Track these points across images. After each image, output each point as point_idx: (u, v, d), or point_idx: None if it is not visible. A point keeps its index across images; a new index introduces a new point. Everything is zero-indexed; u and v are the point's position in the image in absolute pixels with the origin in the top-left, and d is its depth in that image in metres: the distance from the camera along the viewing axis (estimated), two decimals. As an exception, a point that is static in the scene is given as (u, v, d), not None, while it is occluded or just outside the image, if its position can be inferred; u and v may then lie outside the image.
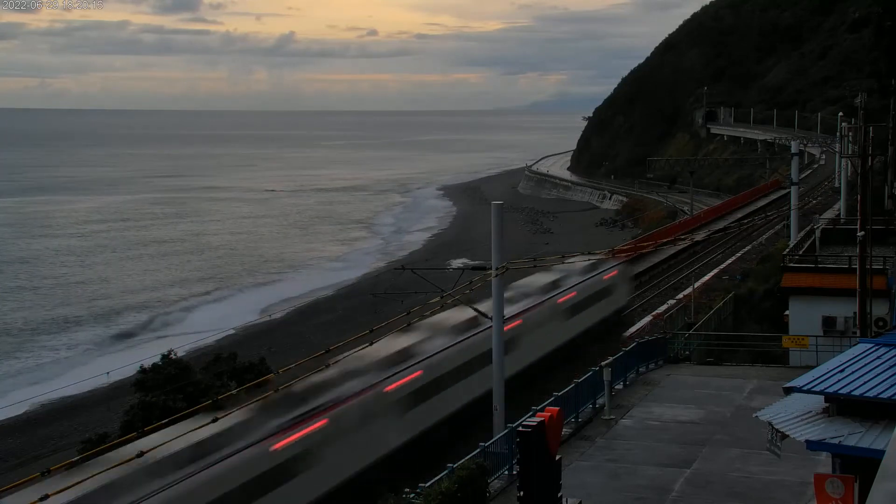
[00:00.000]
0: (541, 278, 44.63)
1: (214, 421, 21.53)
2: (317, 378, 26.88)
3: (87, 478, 19.13)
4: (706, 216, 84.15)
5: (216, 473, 23.14)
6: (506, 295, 31.44)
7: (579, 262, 45.95)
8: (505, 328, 29.96)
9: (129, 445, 22.11)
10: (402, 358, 31.76)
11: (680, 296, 53.99)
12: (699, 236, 64.03)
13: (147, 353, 43.11)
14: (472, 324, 34.73)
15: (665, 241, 59.46)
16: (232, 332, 61.45)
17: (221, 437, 23.76)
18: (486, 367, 31.28)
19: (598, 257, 46.67)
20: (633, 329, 47.68)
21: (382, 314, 37.82)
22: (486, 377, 31.14)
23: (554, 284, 44.43)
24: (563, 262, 40.57)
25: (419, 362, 32.21)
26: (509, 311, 34.48)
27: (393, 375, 30.55)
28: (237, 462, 23.79)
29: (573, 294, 44.73)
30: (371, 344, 25.73)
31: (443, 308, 33.37)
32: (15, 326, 69.54)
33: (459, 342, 34.70)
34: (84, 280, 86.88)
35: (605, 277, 48.77)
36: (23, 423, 48.15)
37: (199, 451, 23.06)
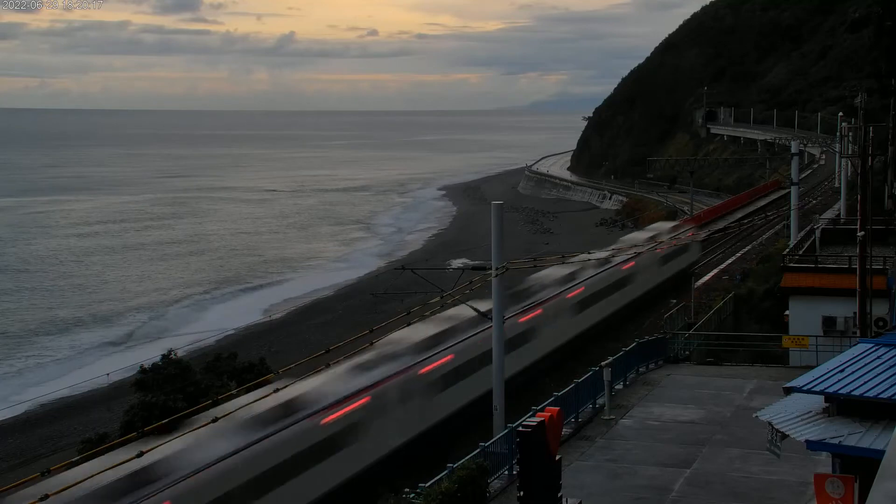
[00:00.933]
0: (642, 234, 61.04)
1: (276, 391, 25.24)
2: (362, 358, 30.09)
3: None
4: (706, 216, 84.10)
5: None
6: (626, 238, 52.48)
7: (667, 224, 68.24)
8: (623, 267, 50.78)
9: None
10: (437, 341, 34.10)
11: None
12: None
13: (147, 354, 43.15)
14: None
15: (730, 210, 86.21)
16: (232, 332, 61.48)
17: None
18: (519, 349, 38.59)
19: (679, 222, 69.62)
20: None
21: (382, 314, 37.86)
22: (521, 357, 38.74)
23: (652, 239, 57.08)
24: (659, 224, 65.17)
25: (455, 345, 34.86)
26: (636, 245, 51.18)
27: (429, 357, 32.72)
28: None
29: (663, 250, 56.42)
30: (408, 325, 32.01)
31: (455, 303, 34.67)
32: (11, 328, 69.51)
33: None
34: (84, 281, 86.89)
35: (684, 238, 60.40)
36: (23, 423, 48.15)
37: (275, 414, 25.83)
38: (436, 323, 34.88)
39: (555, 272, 46.48)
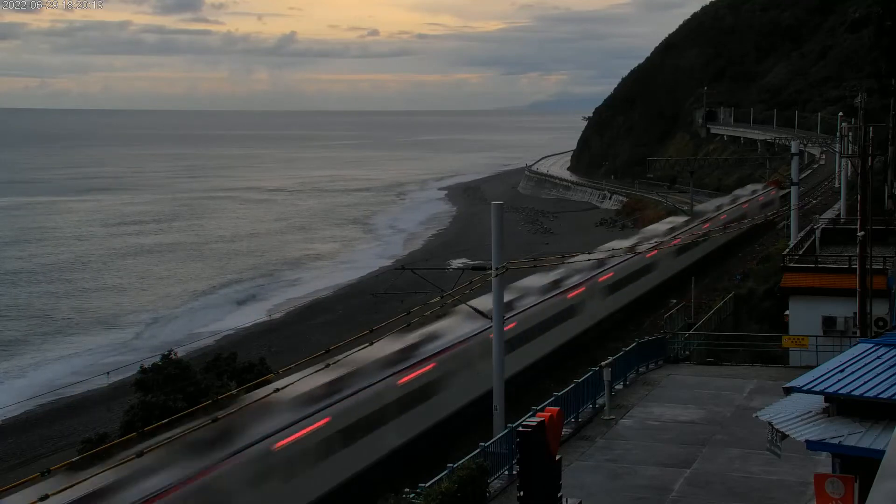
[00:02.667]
0: (721, 199, 77.85)
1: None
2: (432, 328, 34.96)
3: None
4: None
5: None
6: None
7: (754, 186, 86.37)
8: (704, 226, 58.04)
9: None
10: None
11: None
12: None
13: (151, 355, 43.15)
14: (550, 288, 44.71)
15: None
16: (232, 332, 61.50)
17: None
18: (563, 324, 44.11)
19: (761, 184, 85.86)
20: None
21: (382, 314, 37.86)
22: (563, 332, 44.20)
23: (735, 198, 77.56)
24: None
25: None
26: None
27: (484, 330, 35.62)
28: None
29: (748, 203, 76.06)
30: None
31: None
32: (11, 335, 69.54)
33: (536, 305, 42.18)
34: (85, 283, 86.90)
35: (762, 198, 78.77)
36: (23, 423, 48.17)
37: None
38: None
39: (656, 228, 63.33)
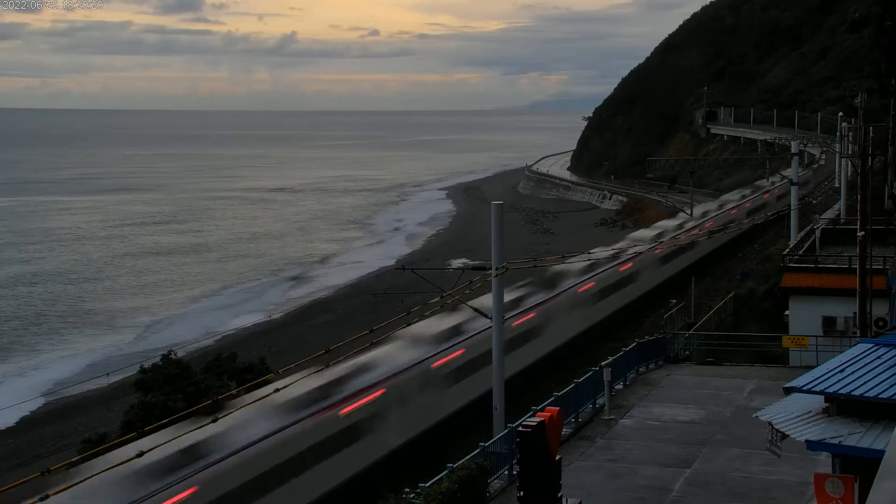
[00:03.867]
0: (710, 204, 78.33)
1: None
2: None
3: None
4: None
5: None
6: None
7: (743, 191, 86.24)
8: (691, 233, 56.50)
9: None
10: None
11: None
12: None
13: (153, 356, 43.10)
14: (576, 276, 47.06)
15: None
16: (232, 332, 61.52)
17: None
18: (588, 309, 47.06)
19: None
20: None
21: (382, 314, 37.85)
22: (589, 316, 47.27)
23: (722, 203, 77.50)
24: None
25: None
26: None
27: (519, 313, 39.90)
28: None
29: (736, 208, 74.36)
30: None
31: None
32: (11, 335, 69.53)
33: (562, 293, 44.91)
34: (88, 283, 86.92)
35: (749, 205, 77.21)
36: (23, 423, 48.19)
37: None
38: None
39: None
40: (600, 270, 49.65)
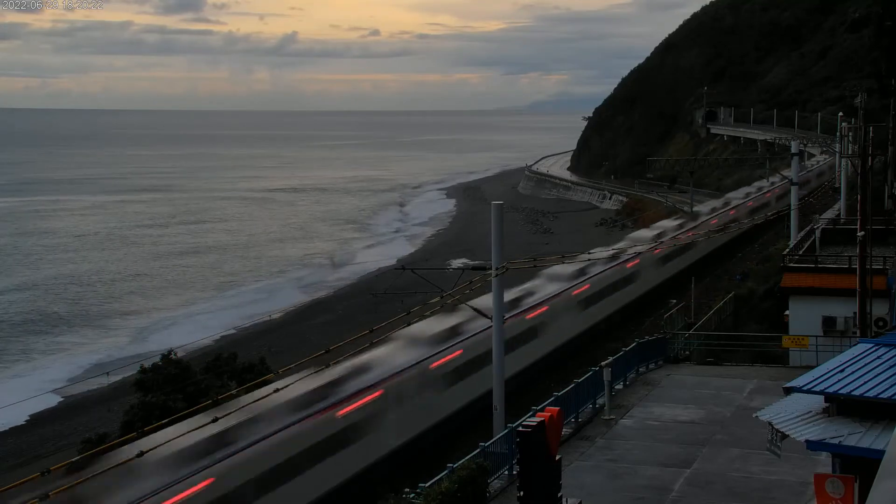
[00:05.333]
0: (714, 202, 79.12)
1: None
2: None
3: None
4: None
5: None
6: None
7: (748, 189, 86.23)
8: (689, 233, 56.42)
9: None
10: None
11: None
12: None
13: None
14: (582, 272, 48.40)
15: None
16: (232, 332, 61.46)
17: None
18: (605, 300, 49.60)
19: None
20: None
21: (382, 314, 37.85)
22: (607, 306, 49.94)
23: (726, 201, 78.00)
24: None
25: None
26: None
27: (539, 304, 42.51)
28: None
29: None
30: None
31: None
32: (12, 336, 69.52)
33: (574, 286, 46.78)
34: (90, 283, 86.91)
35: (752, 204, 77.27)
36: (23, 423, 48.19)
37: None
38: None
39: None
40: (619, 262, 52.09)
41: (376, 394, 29.92)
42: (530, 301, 42.77)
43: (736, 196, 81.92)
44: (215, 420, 21.90)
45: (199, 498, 22.56)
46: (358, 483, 28.81)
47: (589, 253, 48.22)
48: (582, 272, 48.50)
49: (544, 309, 42.52)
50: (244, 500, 24.24)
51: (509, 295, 34.14)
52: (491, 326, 32.02)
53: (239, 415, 24.20)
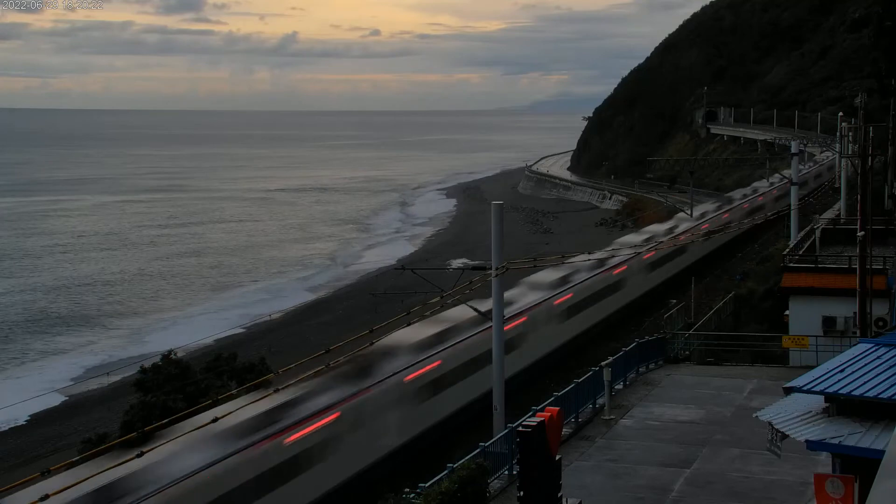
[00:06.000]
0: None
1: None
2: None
3: None
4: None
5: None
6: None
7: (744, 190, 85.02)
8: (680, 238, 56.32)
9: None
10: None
11: None
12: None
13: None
14: (597, 265, 48.79)
15: None
16: (242, 330, 61.50)
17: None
18: (616, 294, 50.62)
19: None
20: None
21: (382, 314, 37.84)
22: (618, 299, 50.96)
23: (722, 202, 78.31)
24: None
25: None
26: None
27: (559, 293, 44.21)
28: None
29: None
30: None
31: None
32: (13, 336, 69.50)
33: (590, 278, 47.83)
34: (95, 285, 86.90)
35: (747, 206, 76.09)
36: (23, 423, 48.19)
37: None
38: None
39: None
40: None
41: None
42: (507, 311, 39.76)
43: (729, 198, 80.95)
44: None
45: None
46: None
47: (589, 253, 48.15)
48: (565, 280, 46.36)
49: (522, 320, 40.06)
50: None
51: (483, 306, 30.89)
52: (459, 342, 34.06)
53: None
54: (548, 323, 42.44)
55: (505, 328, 30.49)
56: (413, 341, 32.59)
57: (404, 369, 31.13)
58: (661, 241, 55.72)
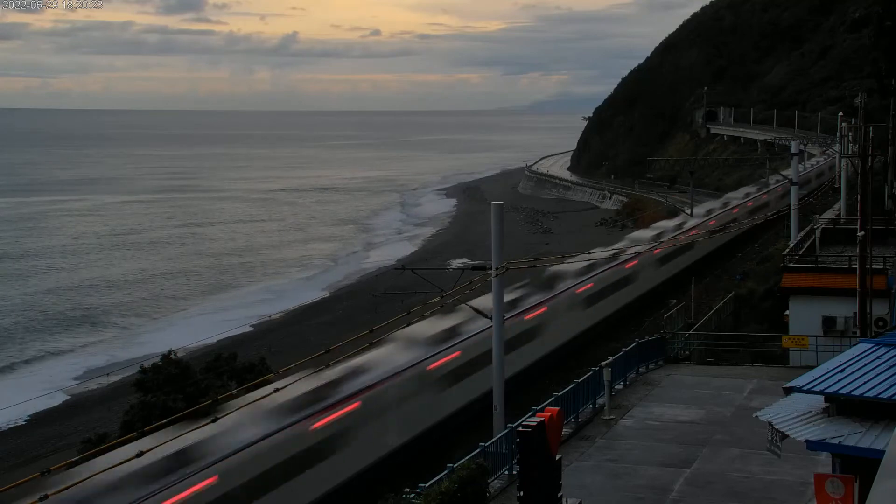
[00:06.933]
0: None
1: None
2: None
3: None
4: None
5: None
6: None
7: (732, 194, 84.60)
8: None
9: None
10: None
11: None
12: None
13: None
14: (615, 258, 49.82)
15: None
16: (231, 332, 61.43)
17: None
18: (633, 284, 53.36)
19: None
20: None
21: (382, 314, 37.84)
22: (637, 287, 54.07)
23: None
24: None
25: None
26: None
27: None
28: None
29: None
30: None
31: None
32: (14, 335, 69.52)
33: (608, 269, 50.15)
34: (101, 284, 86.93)
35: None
36: (23, 423, 48.20)
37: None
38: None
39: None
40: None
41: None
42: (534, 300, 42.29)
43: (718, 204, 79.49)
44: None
45: None
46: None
47: (589, 252, 48.16)
48: (588, 269, 48.11)
49: (544, 310, 41.62)
50: None
51: (510, 295, 33.02)
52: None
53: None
54: (572, 310, 45.63)
55: (530, 315, 40.57)
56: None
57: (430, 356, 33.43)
58: (674, 236, 57.97)
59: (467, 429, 32.94)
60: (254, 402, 24.15)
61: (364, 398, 29.09)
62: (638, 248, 49.62)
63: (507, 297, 33.64)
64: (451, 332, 35.39)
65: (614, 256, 48.45)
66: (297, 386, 25.33)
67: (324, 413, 27.48)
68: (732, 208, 73.64)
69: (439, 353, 33.88)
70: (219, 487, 23.13)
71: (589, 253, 46.81)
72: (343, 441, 28.07)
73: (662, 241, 55.29)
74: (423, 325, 33.86)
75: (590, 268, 48.85)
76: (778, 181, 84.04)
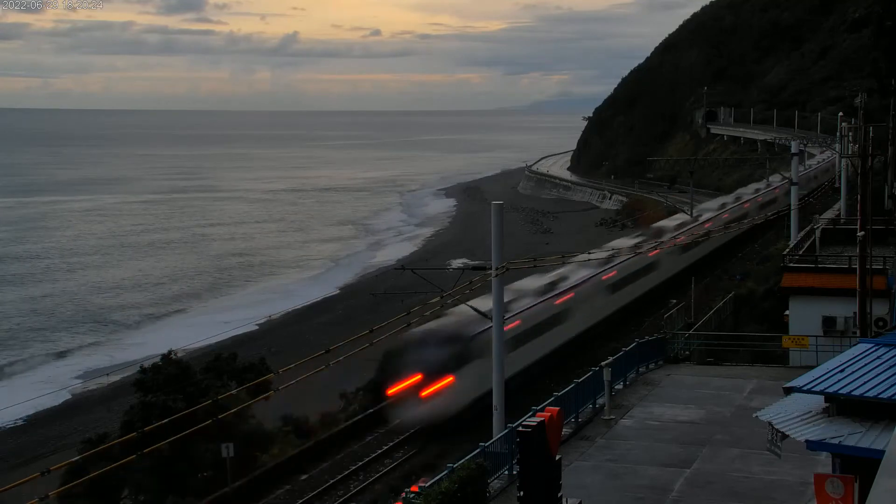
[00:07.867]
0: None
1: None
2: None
3: None
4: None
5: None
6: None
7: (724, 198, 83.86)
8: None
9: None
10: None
11: None
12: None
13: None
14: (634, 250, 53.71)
15: None
16: (231, 332, 61.44)
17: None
18: (651, 274, 57.06)
19: None
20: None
21: (382, 314, 37.84)
22: (658, 275, 58.00)
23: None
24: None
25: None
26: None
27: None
28: None
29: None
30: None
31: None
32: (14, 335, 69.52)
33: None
34: (102, 284, 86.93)
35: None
36: (23, 423, 48.21)
37: None
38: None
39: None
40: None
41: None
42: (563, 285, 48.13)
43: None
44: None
45: None
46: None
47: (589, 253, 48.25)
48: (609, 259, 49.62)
49: (572, 295, 47.84)
50: None
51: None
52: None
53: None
54: (596, 296, 50.48)
55: (561, 300, 46.14)
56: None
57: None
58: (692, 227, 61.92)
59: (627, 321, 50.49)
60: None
61: (576, 291, 45.99)
62: (665, 238, 56.57)
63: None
64: (609, 259, 48.18)
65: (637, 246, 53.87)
66: (539, 279, 44.38)
67: (559, 295, 44.37)
68: (744, 202, 76.53)
69: (605, 270, 49.37)
70: (521, 326, 39.44)
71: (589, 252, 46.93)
72: (569, 313, 44.72)
73: (682, 232, 59.82)
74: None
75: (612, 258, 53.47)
76: (783, 178, 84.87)
